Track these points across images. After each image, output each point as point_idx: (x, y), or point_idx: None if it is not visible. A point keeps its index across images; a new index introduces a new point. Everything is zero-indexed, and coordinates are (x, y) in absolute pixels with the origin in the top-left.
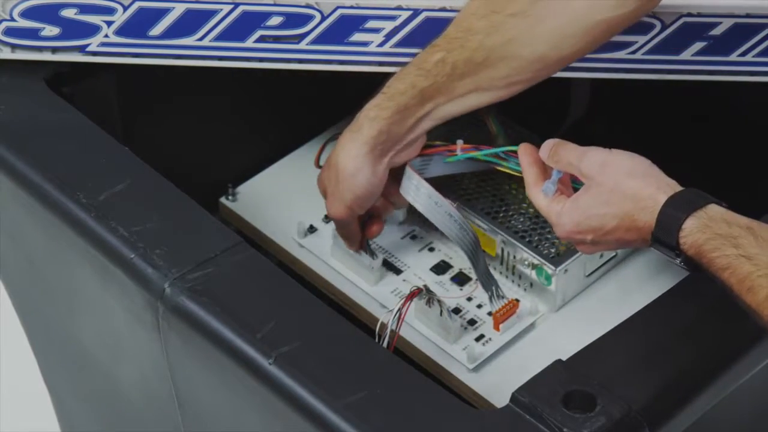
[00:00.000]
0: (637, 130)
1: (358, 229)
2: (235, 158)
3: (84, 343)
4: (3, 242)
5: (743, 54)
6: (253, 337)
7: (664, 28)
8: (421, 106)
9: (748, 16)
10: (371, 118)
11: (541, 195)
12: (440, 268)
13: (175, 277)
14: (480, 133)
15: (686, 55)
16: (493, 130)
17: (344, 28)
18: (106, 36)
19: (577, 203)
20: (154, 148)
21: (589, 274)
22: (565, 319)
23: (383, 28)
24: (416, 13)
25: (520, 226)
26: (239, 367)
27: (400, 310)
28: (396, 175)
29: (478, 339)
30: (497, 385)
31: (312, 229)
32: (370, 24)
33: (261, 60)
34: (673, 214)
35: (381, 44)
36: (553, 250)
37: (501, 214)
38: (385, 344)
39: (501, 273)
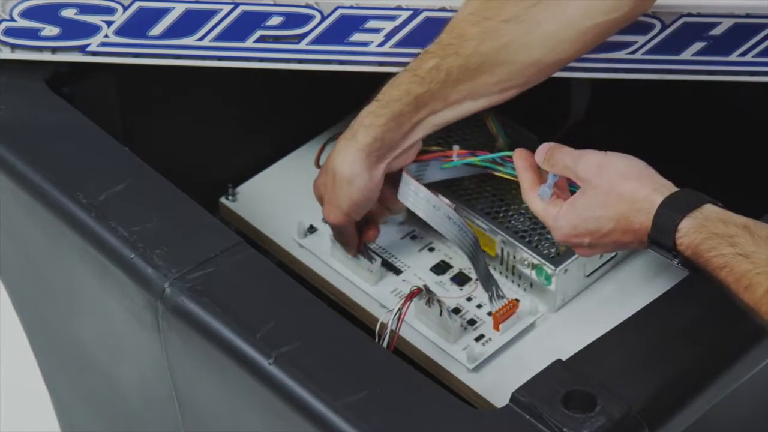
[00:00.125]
0: (637, 131)
1: (356, 234)
2: (235, 158)
3: (84, 343)
4: (3, 242)
5: (743, 54)
6: (253, 337)
7: (664, 28)
8: (416, 112)
9: (748, 16)
10: (366, 126)
11: (537, 199)
12: (440, 268)
13: (175, 277)
14: (479, 134)
15: (686, 55)
16: (494, 130)
17: (344, 28)
18: (106, 36)
19: (574, 206)
20: (154, 148)
21: (589, 274)
22: (565, 319)
23: (383, 28)
24: (416, 13)
25: (520, 226)
26: (239, 367)
27: (400, 310)
28: (392, 180)
29: (478, 339)
30: (497, 385)
31: (312, 229)
32: (370, 24)
33: (261, 60)
34: (668, 215)
35: (381, 44)
36: (553, 250)
37: (501, 214)
38: (385, 344)
39: (501, 273)
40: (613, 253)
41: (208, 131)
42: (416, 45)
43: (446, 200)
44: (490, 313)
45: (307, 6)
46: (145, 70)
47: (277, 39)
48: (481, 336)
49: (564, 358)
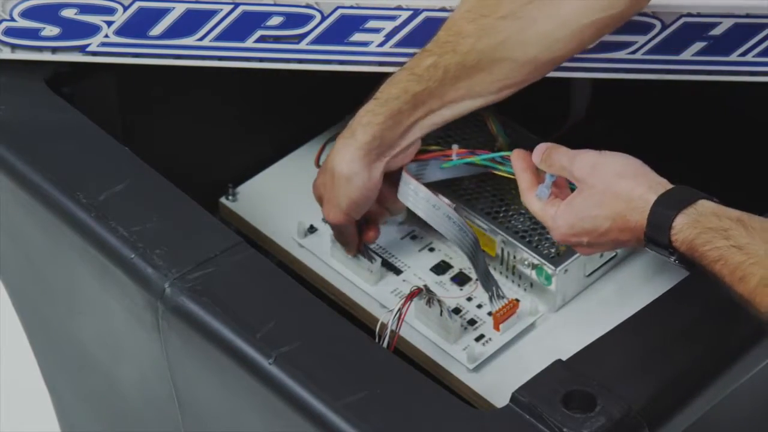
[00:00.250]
0: (637, 131)
1: (356, 234)
2: (235, 158)
3: (84, 343)
4: (3, 242)
5: (743, 54)
6: (253, 337)
7: (664, 28)
8: (414, 110)
9: (748, 16)
10: (364, 124)
11: (535, 200)
12: (440, 268)
13: (175, 277)
14: (479, 133)
15: (686, 55)
16: (494, 130)
17: (344, 28)
18: (106, 36)
19: (571, 206)
20: (154, 148)
21: (589, 274)
22: (565, 319)
23: (383, 28)
24: (416, 13)
25: (520, 226)
26: (239, 367)
27: (400, 310)
28: (391, 180)
29: (478, 339)
30: (497, 385)
31: (312, 229)
32: (370, 24)
33: (261, 60)
34: (663, 213)
35: (381, 44)
36: (553, 250)
37: (501, 214)
38: (385, 344)
39: (501, 273)
40: (613, 253)
41: (208, 131)
42: (416, 45)
43: (446, 200)
44: (490, 313)
45: (307, 6)
46: (145, 70)
47: (277, 39)
48: (481, 336)
49: (564, 358)
